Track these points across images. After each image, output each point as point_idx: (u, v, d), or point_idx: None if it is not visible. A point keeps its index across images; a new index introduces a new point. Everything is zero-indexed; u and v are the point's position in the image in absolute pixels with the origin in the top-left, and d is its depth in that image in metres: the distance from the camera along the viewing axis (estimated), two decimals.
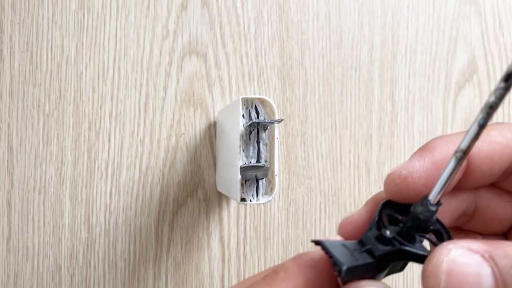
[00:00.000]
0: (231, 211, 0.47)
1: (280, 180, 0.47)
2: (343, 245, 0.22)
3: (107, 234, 0.45)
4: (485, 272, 0.20)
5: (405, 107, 0.50)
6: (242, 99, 0.34)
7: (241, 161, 0.34)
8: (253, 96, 0.34)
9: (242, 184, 0.35)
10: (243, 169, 0.33)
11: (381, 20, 0.50)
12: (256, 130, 0.34)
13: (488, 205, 0.27)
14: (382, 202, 0.25)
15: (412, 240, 0.23)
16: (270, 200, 0.35)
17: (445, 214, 0.27)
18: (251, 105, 0.35)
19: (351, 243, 0.23)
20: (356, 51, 0.50)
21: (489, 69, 0.52)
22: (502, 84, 0.19)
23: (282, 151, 0.47)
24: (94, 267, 0.45)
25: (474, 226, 0.28)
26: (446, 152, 0.24)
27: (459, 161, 0.21)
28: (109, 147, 0.45)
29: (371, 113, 0.50)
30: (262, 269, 0.46)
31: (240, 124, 0.33)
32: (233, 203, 0.47)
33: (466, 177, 0.25)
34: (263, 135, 0.34)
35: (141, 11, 0.46)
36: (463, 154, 0.21)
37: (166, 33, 0.46)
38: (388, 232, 0.23)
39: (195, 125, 0.46)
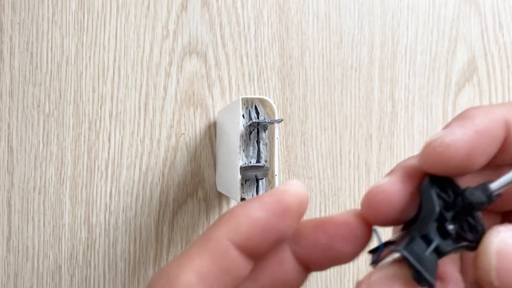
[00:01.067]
0: None
1: (280, 180, 0.47)
2: (418, 251, 0.21)
3: (107, 234, 0.45)
4: None
5: (405, 107, 0.50)
6: (242, 99, 0.34)
7: (241, 161, 0.34)
8: (253, 96, 0.34)
9: (242, 184, 0.35)
10: (243, 169, 0.33)
11: (381, 20, 0.50)
12: (256, 130, 0.34)
13: None
14: (429, 180, 0.23)
15: (462, 226, 0.23)
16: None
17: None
18: (251, 105, 0.35)
19: (420, 244, 0.21)
20: (356, 51, 0.50)
21: (489, 69, 0.52)
22: None
23: (282, 151, 0.47)
24: (94, 267, 0.45)
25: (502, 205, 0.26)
26: (487, 121, 0.23)
27: None
28: (109, 147, 0.45)
29: (371, 113, 0.50)
30: None
31: (240, 124, 0.33)
32: (233, 203, 0.47)
33: (504, 149, 0.24)
34: (263, 135, 0.34)
35: (141, 11, 0.46)
36: None
37: (166, 33, 0.46)
38: (451, 226, 0.22)
39: (195, 125, 0.46)
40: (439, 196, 0.23)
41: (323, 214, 0.48)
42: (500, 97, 0.53)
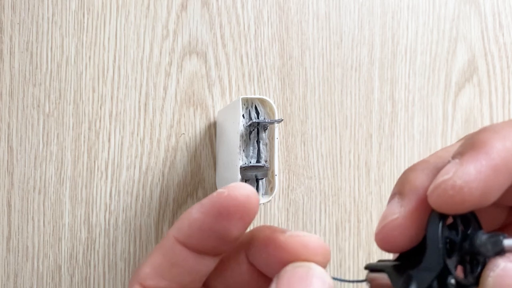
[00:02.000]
0: None
1: (280, 180, 0.47)
2: None
3: (107, 234, 0.45)
4: None
5: (405, 107, 0.50)
6: (242, 99, 0.34)
7: (241, 161, 0.34)
8: (253, 96, 0.34)
9: None
10: (243, 169, 0.33)
11: (381, 20, 0.50)
12: (256, 130, 0.34)
13: None
14: (439, 225, 0.22)
15: (464, 267, 0.22)
16: (270, 200, 0.35)
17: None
18: (251, 105, 0.35)
19: None
20: (356, 51, 0.50)
21: (489, 69, 0.52)
22: None
23: (282, 151, 0.47)
24: (94, 267, 0.45)
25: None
26: (504, 152, 0.21)
27: None
28: (109, 147, 0.45)
29: (371, 113, 0.50)
30: None
31: (240, 124, 0.33)
32: None
33: None
34: (263, 135, 0.34)
35: (141, 11, 0.46)
36: None
37: (166, 33, 0.46)
38: (452, 281, 0.21)
39: (195, 125, 0.46)
40: (447, 236, 0.22)
41: (323, 214, 0.48)
42: (500, 97, 0.53)
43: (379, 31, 0.50)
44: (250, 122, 0.33)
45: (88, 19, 0.45)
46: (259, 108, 0.34)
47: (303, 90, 0.48)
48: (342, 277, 0.48)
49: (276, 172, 0.34)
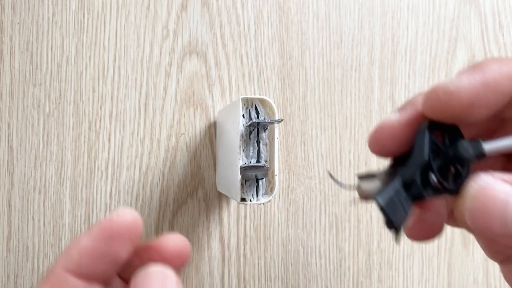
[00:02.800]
0: (231, 211, 0.47)
1: (280, 180, 0.47)
2: (396, 198, 0.22)
3: None
4: None
5: None
6: (242, 99, 0.34)
7: (241, 161, 0.34)
8: (253, 96, 0.34)
9: (242, 184, 0.35)
10: (243, 169, 0.33)
11: (381, 20, 0.50)
12: (256, 130, 0.34)
13: None
14: (426, 128, 0.24)
15: (446, 173, 0.24)
16: (270, 200, 0.35)
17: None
18: (251, 105, 0.35)
19: (397, 188, 0.23)
20: (356, 51, 0.50)
21: None
22: None
23: (282, 151, 0.47)
24: None
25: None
26: (499, 74, 0.23)
27: None
28: (109, 147, 0.45)
29: (371, 113, 0.50)
30: (262, 269, 0.46)
31: (240, 124, 0.33)
32: (233, 203, 0.47)
33: None
34: (263, 135, 0.34)
35: (141, 11, 0.46)
36: None
37: (166, 33, 0.46)
38: (434, 178, 0.23)
39: (195, 125, 0.46)
40: (433, 142, 0.24)
41: (323, 214, 0.48)
42: None
43: (379, 31, 0.50)
44: (250, 122, 0.33)
45: (88, 19, 0.45)
46: (259, 108, 0.34)
47: (303, 90, 0.48)
48: (341, 274, 0.48)
49: (276, 172, 0.34)
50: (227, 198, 0.46)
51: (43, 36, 0.44)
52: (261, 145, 0.34)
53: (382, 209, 0.22)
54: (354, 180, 0.49)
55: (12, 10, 0.44)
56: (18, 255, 0.44)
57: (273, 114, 0.34)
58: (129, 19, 0.46)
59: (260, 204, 0.35)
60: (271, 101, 0.34)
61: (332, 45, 0.49)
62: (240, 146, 0.34)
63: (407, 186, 0.23)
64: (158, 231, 0.46)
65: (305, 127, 0.48)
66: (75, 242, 0.24)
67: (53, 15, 0.45)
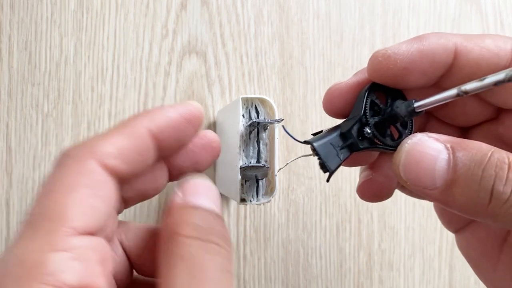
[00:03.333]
0: (231, 212, 0.46)
1: (280, 181, 0.47)
2: (331, 144, 0.26)
3: None
4: (442, 156, 0.23)
5: None
6: (242, 98, 0.34)
7: (241, 161, 0.33)
8: (253, 95, 0.34)
9: (242, 185, 0.34)
10: (243, 169, 0.33)
11: (382, 19, 0.50)
12: (256, 130, 0.34)
13: (462, 99, 0.28)
14: (367, 89, 0.26)
15: (385, 131, 0.27)
16: (270, 200, 0.34)
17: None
18: (251, 105, 0.34)
19: (336, 138, 0.26)
20: (356, 51, 0.49)
21: None
22: None
23: (282, 151, 0.47)
24: None
25: (444, 115, 0.30)
26: (436, 44, 0.25)
27: (456, 96, 0.23)
28: None
29: None
30: (262, 270, 0.46)
31: (240, 124, 0.33)
32: (233, 204, 0.46)
33: (450, 74, 0.26)
34: (263, 135, 0.34)
35: (141, 10, 0.46)
36: (465, 94, 0.23)
37: (165, 32, 0.46)
38: (368, 130, 0.25)
39: None
40: (374, 102, 0.26)
41: (323, 215, 0.48)
42: None
43: (379, 31, 0.50)
44: (250, 122, 0.33)
45: (87, 18, 0.45)
46: (259, 108, 0.34)
47: (303, 89, 0.48)
48: (342, 278, 0.48)
49: (276, 172, 0.34)
50: (227, 199, 0.46)
51: (41, 36, 0.44)
52: (261, 145, 0.34)
53: (315, 150, 0.25)
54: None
55: (11, 9, 0.44)
56: None
57: (273, 114, 0.34)
58: (128, 18, 0.45)
59: (260, 204, 0.35)
60: (271, 101, 0.34)
61: (332, 45, 0.49)
62: (240, 146, 0.33)
63: (345, 137, 0.26)
64: None
65: (305, 127, 0.48)
66: (162, 111, 0.25)
67: (51, 14, 0.44)
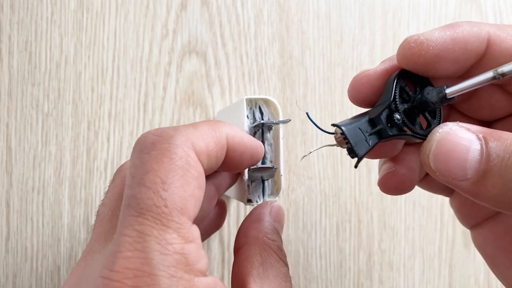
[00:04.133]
0: (231, 211, 0.46)
1: (284, 180, 0.47)
2: (359, 128, 0.25)
3: None
4: (474, 147, 0.22)
5: None
6: (246, 99, 0.33)
7: None
8: (257, 96, 0.34)
9: (248, 185, 0.34)
10: (251, 171, 0.33)
11: (382, 19, 0.50)
12: (260, 131, 0.34)
13: (488, 92, 0.28)
14: (397, 75, 0.25)
15: (414, 119, 0.26)
16: (276, 200, 0.34)
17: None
18: (255, 105, 0.34)
19: (364, 124, 0.25)
20: (356, 51, 0.49)
21: None
22: None
23: (283, 151, 0.47)
24: None
25: (467, 108, 0.29)
26: (469, 32, 0.25)
27: (492, 79, 0.22)
28: (108, 147, 0.45)
29: None
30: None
31: (245, 125, 0.33)
32: (233, 204, 0.46)
33: (482, 63, 0.26)
34: (268, 135, 0.34)
35: (141, 10, 0.46)
36: (501, 76, 0.22)
37: (165, 32, 0.46)
38: (398, 116, 0.25)
39: None
40: (403, 90, 0.26)
41: (323, 215, 0.48)
42: None
43: (379, 31, 0.50)
44: (257, 123, 0.33)
45: (87, 18, 0.45)
46: (263, 109, 0.34)
47: (303, 89, 0.48)
48: (341, 275, 0.48)
49: (282, 172, 0.34)
50: (227, 199, 0.46)
51: (41, 36, 0.44)
52: (266, 145, 0.34)
53: (343, 134, 0.24)
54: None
55: (11, 9, 0.44)
56: (17, 256, 0.43)
57: (277, 114, 0.34)
58: (128, 18, 0.45)
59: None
60: (275, 101, 0.34)
61: (332, 45, 0.49)
62: None
63: (373, 123, 0.25)
64: None
65: (305, 127, 0.48)
66: (238, 129, 0.28)
67: (52, 14, 0.44)
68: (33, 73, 0.44)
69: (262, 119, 0.34)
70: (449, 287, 0.49)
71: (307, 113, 0.28)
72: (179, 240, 0.22)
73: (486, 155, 0.22)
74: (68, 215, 0.44)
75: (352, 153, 0.25)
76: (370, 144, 0.25)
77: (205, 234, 0.37)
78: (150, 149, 0.23)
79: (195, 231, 0.23)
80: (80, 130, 0.44)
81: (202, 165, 0.24)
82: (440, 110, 0.27)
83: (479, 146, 0.22)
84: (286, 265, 0.28)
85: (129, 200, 0.22)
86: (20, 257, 0.43)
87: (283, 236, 0.47)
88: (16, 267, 0.43)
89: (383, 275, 0.49)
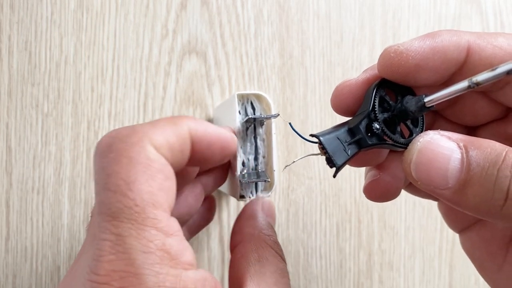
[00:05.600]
0: (231, 212, 0.46)
1: (280, 181, 0.47)
2: (338, 138, 0.25)
3: None
4: (455, 156, 0.22)
5: None
6: (238, 95, 0.33)
7: (239, 157, 0.33)
8: (248, 91, 0.34)
9: (240, 181, 0.34)
10: (244, 180, 0.33)
11: (382, 19, 0.50)
12: (252, 126, 0.34)
13: (471, 99, 0.28)
14: (376, 84, 0.26)
15: (395, 128, 0.26)
16: (269, 195, 0.34)
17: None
18: (247, 101, 0.34)
19: (343, 133, 0.25)
20: (356, 51, 0.49)
21: None
22: None
23: (282, 151, 0.47)
24: None
25: (451, 114, 0.29)
26: (448, 41, 0.25)
27: (468, 88, 0.22)
28: None
29: None
30: None
31: (236, 120, 0.33)
32: (233, 203, 0.46)
33: (462, 72, 0.26)
34: (260, 130, 0.34)
35: (141, 10, 0.46)
36: (476, 85, 0.22)
37: (165, 32, 0.46)
38: (377, 125, 0.25)
39: None
40: (384, 99, 0.26)
41: (323, 215, 0.48)
42: None
43: (380, 30, 0.50)
44: (246, 118, 0.33)
45: (87, 18, 0.45)
46: (255, 104, 0.34)
47: (303, 89, 0.48)
48: (341, 276, 0.48)
49: (275, 167, 0.34)
50: (227, 198, 0.46)
51: (41, 36, 0.44)
52: (258, 140, 0.34)
53: (321, 144, 0.25)
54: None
55: (11, 9, 0.44)
56: (17, 256, 0.43)
57: (269, 109, 0.34)
58: (128, 18, 0.46)
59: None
60: (267, 96, 0.34)
61: (332, 45, 0.49)
62: (237, 143, 0.33)
63: (353, 132, 0.25)
64: None
65: (305, 127, 0.48)
66: (206, 122, 0.28)
67: (51, 14, 0.44)
68: (33, 73, 0.44)
69: (254, 114, 0.34)
70: (449, 287, 0.49)
71: (290, 124, 0.28)
72: (159, 236, 0.22)
73: (466, 164, 0.22)
74: (68, 215, 0.44)
75: (330, 162, 0.25)
76: (349, 153, 0.25)
77: (195, 229, 0.37)
78: (107, 152, 0.23)
79: (174, 224, 0.23)
80: (80, 130, 0.44)
81: (166, 158, 0.24)
82: (422, 119, 0.27)
83: (460, 155, 0.22)
84: (283, 259, 0.28)
85: (99, 207, 0.23)
86: (20, 257, 0.43)
87: (283, 236, 0.47)
88: (16, 267, 0.43)
89: (383, 275, 0.48)
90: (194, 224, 0.36)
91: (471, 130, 0.30)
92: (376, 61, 0.49)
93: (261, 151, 0.34)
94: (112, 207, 0.22)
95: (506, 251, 0.30)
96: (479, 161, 0.22)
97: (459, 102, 0.28)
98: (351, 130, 0.25)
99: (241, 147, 0.34)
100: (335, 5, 0.49)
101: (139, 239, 0.21)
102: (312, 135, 0.25)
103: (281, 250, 0.29)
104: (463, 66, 0.26)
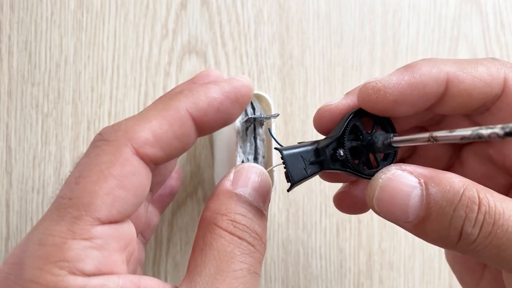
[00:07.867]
0: None
1: (280, 180, 0.47)
2: (301, 156, 0.26)
3: None
4: (415, 192, 0.23)
5: None
6: None
7: (238, 157, 0.33)
8: None
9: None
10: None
11: (382, 19, 0.50)
12: (252, 126, 0.34)
13: (455, 121, 0.29)
14: (352, 113, 0.26)
15: (362, 157, 0.27)
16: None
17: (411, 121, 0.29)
18: None
19: (309, 152, 0.26)
20: (357, 51, 0.49)
21: None
22: (501, 133, 0.19)
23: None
24: None
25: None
26: (427, 75, 0.25)
27: (427, 141, 0.23)
28: None
29: None
30: (262, 270, 0.46)
31: (236, 120, 0.33)
32: None
33: (442, 102, 0.26)
34: (260, 130, 0.34)
35: (140, 10, 0.46)
36: (434, 140, 0.23)
37: (165, 32, 0.46)
38: (341, 153, 0.26)
39: None
40: (357, 128, 0.27)
41: (323, 215, 0.48)
42: None
43: (380, 30, 0.50)
44: (246, 118, 0.33)
45: (87, 18, 0.45)
46: (255, 104, 0.34)
47: (303, 89, 0.48)
48: (341, 277, 0.48)
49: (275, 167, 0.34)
50: None
51: (41, 35, 0.44)
52: (258, 140, 0.34)
53: (283, 158, 0.25)
54: None
55: (11, 9, 0.44)
56: None
57: (269, 109, 0.34)
58: (128, 18, 0.46)
59: None
60: (267, 96, 0.34)
61: (332, 44, 0.49)
62: (237, 143, 0.33)
63: (318, 153, 0.26)
64: (157, 231, 0.45)
65: (306, 127, 0.48)
66: (205, 91, 0.25)
67: (51, 14, 0.44)
68: (32, 73, 0.44)
69: (254, 114, 0.34)
70: (449, 287, 0.49)
71: (269, 129, 0.29)
72: (65, 234, 0.21)
73: (426, 202, 0.23)
74: None
75: (287, 177, 0.25)
76: (308, 173, 0.26)
77: (163, 199, 0.37)
78: (90, 147, 0.24)
79: (97, 232, 0.21)
80: (80, 130, 0.44)
81: (148, 157, 0.23)
82: (395, 153, 0.27)
83: (420, 191, 0.23)
84: (246, 240, 0.24)
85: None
86: None
87: (283, 236, 0.47)
88: None
89: (383, 275, 0.48)
90: (162, 194, 0.36)
91: (456, 147, 0.31)
92: (376, 61, 0.49)
93: (261, 151, 0.34)
94: (58, 195, 0.22)
95: (483, 267, 0.31)
96: (438, 199, 0.22)
97: (444, 122, 0.29)
98: (317, 150, 0.26)
99: (240, 147, 0.34)
100: (335, 5, 0.49)
101: (44, 230, 0.21)
102: (276, 149, 0.26)
103: (248, 229, 0.25)
104: (442, 97, 0.26)
